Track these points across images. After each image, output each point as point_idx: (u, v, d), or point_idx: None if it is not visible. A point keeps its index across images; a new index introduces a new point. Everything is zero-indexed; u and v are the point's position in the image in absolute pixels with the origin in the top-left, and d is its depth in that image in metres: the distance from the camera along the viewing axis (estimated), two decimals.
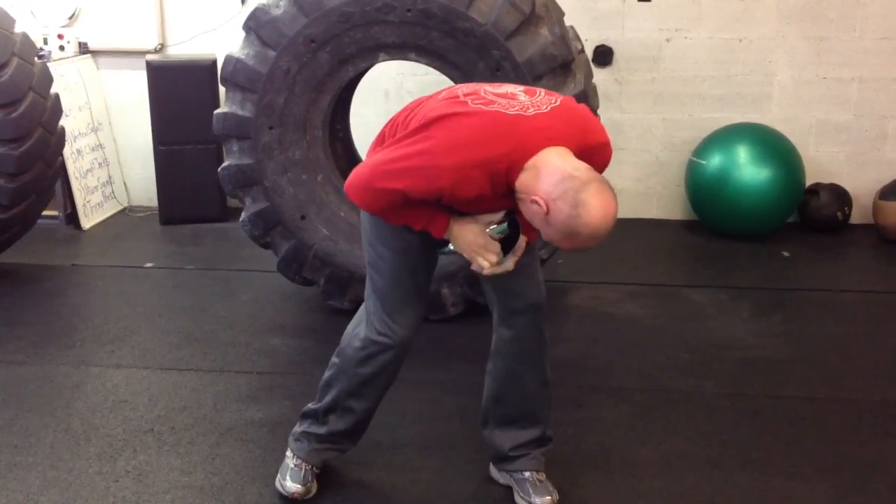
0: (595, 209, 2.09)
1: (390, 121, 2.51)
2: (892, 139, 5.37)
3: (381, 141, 2.50)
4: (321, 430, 2.74)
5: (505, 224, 2.35)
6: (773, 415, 3.26)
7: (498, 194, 2.24)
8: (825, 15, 5.22)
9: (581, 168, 2.15)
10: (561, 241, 2.18)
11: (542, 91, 2.34)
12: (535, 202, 2.15)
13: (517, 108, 2.21)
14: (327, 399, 2.70)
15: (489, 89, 2.32)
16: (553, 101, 2.28)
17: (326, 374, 2.71)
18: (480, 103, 2.22)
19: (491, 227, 2.35)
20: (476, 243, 2.35)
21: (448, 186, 2.18)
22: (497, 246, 2.36)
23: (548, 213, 2.14)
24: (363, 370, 2.61)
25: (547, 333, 2.67)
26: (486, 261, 2.36)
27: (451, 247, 2.43)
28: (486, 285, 2.64)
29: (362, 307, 2.65)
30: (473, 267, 2.41)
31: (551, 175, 2.14)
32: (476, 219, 2.36)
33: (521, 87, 2.36)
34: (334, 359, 2.70)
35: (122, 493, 2.78)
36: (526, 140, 2.17)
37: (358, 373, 2.62)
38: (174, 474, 2.88)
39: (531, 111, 2.21)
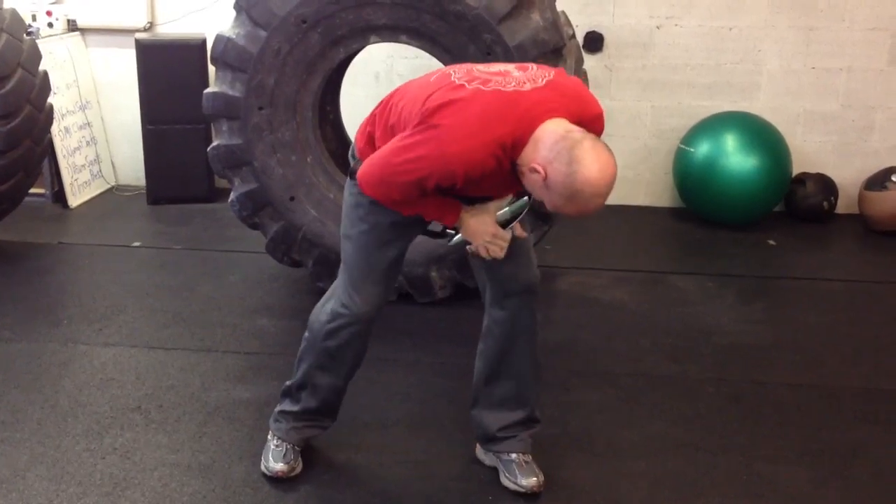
0: (591, 162, 2.10)
1: (382, 102, 2.51)
2: (878, 130, 5.40)
3: (371, 121, 2.51)
4: (295, 407, 2.76)
5: (517, 202, 2.38)
6: (756, 400, 3.30)
7: (504, 171, 2.25)
8: (815, 5, 5.24)
9: (574, 129, 2.17)
10: (564, 204, 2.17)
11: (534, 65, 2.35)
12: (534, 169, 2.17)
13: (514, 84, 2.22)
14: (299, 375, 2.74)
15: (481, 68, 2.32)
16: (547, 75, 2.30)
17: (300, 349, 2.74)
18: (478, 83, 2.23)
19: (501, 211, 2.39)
20: (486, 232, 2.38)
21: (461, 172, 2.20)
22: (507, 234, 2.40)
23: (546, 177, 2.15)
24: (329, 343, 2.63)
25: (539, 316, 2.69)
26: (495, 249, 2.40)
27: (458, 237, 2.44)
28: (478, 268, 2.66)
29: (335, 282, 2.67)
30: (480, 252, 2.43)
31: (546, 140, 2.16)
32: (486, 208, 2.39)
33: (513, 65, 2.38)
34: (305, 333, 2.72)
35: (110, 470, 2.79)
36: (527, 115, 2.18)
37: (325, 346, 2.64)
38: (161, 452, 2.89)
39: (527, 86, 2.22)
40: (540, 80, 2.26)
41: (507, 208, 2.40)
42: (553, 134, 2.16)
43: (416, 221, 2.49)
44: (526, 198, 2.40)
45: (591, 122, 2.29)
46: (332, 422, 2.84)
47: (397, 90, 2.49)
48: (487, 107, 2.18)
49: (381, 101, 2.52)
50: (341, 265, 2.63)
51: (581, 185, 2.11)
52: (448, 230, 2.49)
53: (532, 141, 2.18)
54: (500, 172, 2.25)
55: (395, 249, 2.57)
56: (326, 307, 2.65)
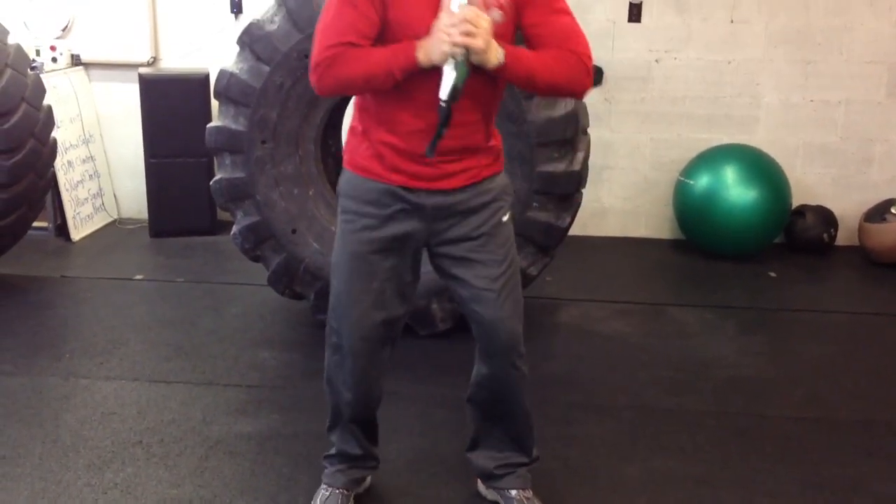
0: None
1: None
2: (877, 162, 5.44)
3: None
4: (332, 449, 2.76)
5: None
6: (757, 433, 3.29)
7: None
8: (812, 38, 5.29)
9: None
10: None
11: None
12: None
13: None
14: (329, 415, 2.73)
15: None
16: None
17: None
18: None
19: (445, 82, 2.24)
20: (442, 30, 2.20)
21: None
22: (477, 20, 2.19)
23: None
24: (336, 378, 2.66)
25: (525, 368, 2.61)
26: (464, 31, 2.18)
27: (445, 83, 2.24)
28: (470, 319, 2.59)
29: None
30: (457, 51, 2.21)
31: None
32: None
33: None
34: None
35: None
36: None
37: (335, 388, 2.67)
38: (162, 487, 2.89)
39: None
40: None
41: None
42: None
43: (399, 241, 2.46)
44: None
45: None
46: (373, 461, 2.80)
47: None
48: None
49: None
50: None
51: None
52: (441, 103, 2.27)
53: None
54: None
55: (378, 282, 2.50)
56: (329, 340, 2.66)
